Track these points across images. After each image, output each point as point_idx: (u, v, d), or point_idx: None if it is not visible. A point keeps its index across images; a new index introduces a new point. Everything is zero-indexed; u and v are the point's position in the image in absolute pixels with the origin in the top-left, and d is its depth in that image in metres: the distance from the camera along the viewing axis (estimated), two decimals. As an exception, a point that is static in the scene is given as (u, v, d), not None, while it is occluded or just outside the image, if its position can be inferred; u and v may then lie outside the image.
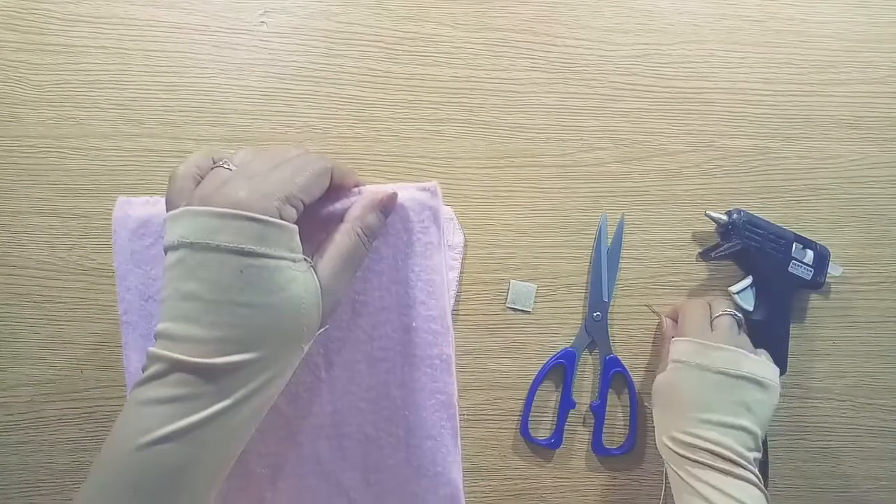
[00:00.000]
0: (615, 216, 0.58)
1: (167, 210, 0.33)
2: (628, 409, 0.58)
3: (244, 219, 0.30)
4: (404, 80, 0.57)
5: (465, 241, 0.57)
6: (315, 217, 0.35)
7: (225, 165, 0.34)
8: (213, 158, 0.35)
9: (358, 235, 0.35)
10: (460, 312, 0.57)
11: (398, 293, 0.39)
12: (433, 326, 0.40)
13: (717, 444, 0.45)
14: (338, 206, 0.37)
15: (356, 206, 0.36)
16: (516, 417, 0.58)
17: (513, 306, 0.57)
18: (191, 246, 0.30)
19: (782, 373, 0.58)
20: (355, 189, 0.37)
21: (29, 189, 0.55)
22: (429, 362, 0.40)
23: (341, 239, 0.35)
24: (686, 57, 0.59)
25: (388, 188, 0.38)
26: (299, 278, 0.31)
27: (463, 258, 0.56)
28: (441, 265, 0.40)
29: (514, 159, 0.58)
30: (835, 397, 0.60)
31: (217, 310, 0.30)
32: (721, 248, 0.57)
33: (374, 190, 0.38)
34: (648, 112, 0.59)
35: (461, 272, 0.56)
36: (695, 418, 0.47)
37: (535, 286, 0.57)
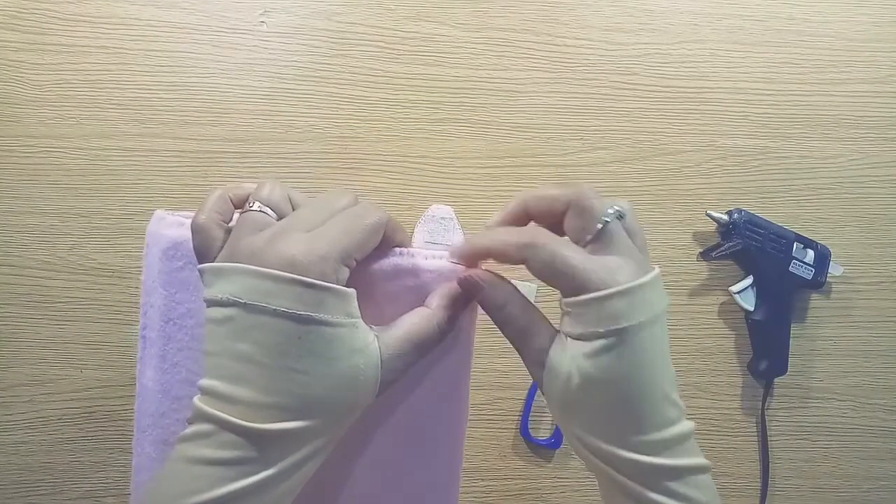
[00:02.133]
0: (616, 216, 0.58)
1: (199, 261, 0.31)
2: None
3: (302, 285, 0.28)
4: (405, 80, 0.57)
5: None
6: (356, 275, 0.33)
7: (256, 208, 0.31)
8: (230, 198, 0.33)
9: (438, 325, 0.33)
10: (461, 312, 0.57)
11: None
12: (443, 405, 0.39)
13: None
14: (375, 266, 0.34)
15: (440, 293, 0.34)
16: (516, 417, 0.58)
17: (513, 306, 0.57)
18: (244, 306, 0.28)
19: (783, 373, 0.58)
20: (397, 249, 0.35)
21: (29, 189, 0.55)
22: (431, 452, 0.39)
23: (419, 322, 0.33)
24: (687, 57, 0.59)
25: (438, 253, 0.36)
26: (361, 349, 0.30)
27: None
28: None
29: (514, 159, 0.58)
30: (835, 397, 0.60)
31: (271, 375, 0.28)
32: (722, 248, 0.57)
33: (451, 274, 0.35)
34: (649, 112, 0.59)
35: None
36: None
37: (536, 286, 0.57)
